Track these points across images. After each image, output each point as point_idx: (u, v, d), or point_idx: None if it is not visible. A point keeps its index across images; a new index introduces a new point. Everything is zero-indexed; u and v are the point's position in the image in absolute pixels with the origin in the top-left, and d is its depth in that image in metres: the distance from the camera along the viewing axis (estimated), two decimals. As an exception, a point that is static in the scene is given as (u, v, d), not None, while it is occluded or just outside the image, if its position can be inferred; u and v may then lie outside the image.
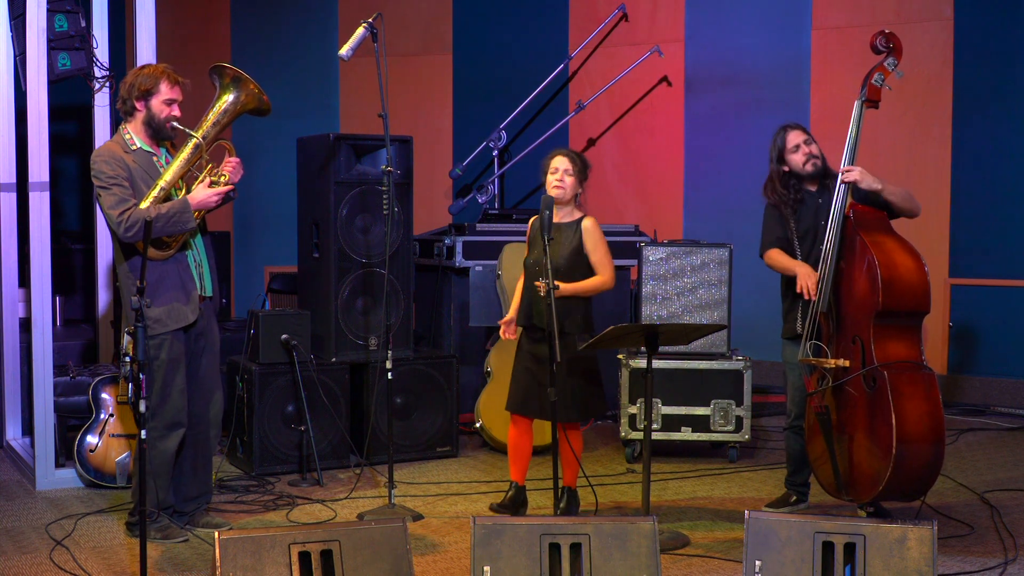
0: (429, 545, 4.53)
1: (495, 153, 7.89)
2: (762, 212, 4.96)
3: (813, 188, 4.85)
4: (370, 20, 4.88)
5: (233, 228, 8.69)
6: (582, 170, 4.76)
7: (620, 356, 5.96)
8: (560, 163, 4.74)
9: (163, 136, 4.51)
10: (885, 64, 4.65)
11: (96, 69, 5.76)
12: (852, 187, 4.63)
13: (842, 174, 4.60)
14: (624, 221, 7.85)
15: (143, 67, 4.52)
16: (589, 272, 4.74)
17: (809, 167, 4.80)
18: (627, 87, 8.14)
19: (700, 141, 8.10)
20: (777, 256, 4.83)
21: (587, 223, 4.75)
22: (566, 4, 8.44)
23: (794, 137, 4.83)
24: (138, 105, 4.44)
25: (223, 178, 4.46)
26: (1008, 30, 7.30)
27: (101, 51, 5.82)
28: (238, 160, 4.53)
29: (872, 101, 4.65)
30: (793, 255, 4.81)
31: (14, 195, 5.78)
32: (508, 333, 4.93)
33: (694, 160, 8.13)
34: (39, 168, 5.36)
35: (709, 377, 5.89)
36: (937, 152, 7.48)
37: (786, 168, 4.85)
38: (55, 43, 5.55)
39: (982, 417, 7.11)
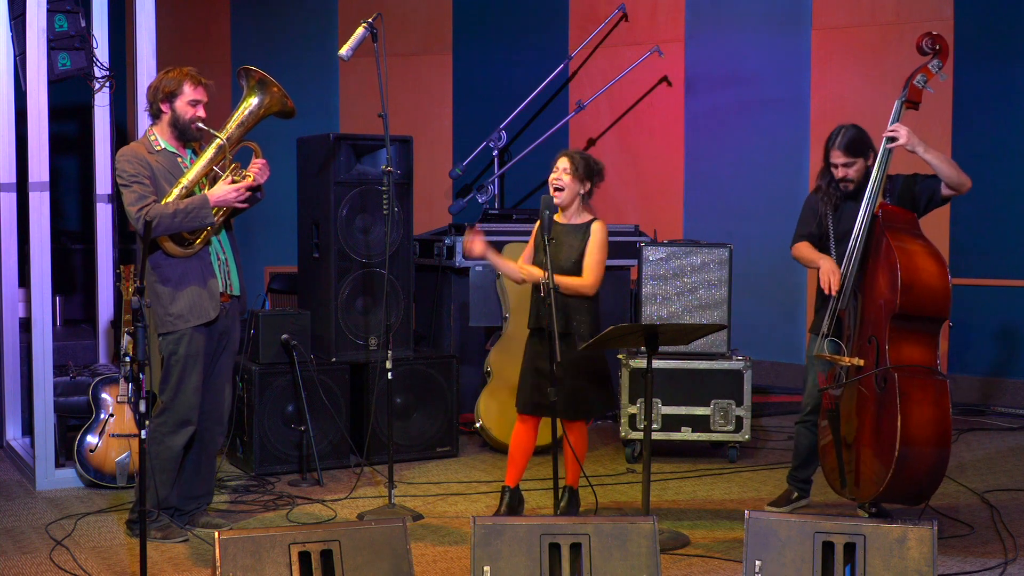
0: (429, 545, 4.53)
1: (495, 153, 7.89)
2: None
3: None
4: (370, 20, 4.89)
5: (233, 228, 8.68)
6: (581, 169, 4.72)
7: (620, 356, 5.96)
8: (560, 163, 4.75)
9: (188, 137, 4.56)
10: (930, 66, 4.58)
11: (96, 69, 5.77)
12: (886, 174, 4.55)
13: (888, 133, 4.50)
14: (624, 221, 7.84)
15: (168, 70, 4.58)
16: None
17: (839, 186, 4.74)
18: (627, 87, 8.14)
19: (700, 141, 8.09)
20: (804, 249, 4.81)
21: (596, 226, 4.73)
22: (566, 4, 8.43)
23: (834, 156, 4.71)
24: (163, 107, 4.51)
25: (248, 178, 4.50)
26: (1008, 30, 7.30)
27: (101, 51, 5.83)
28: (264, 161, 4.59)
29: (913, 102, 4.57)
30: (828, 254, 4.74)
31: (14, 195, 5.78)
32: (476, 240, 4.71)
33: (694, 160, 8.12)
34: (39, 168, 5.36)
35: (709, 377, 5.88)
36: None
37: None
38: (55, 43, 5.55)
39: (982, 417, 7.11)
